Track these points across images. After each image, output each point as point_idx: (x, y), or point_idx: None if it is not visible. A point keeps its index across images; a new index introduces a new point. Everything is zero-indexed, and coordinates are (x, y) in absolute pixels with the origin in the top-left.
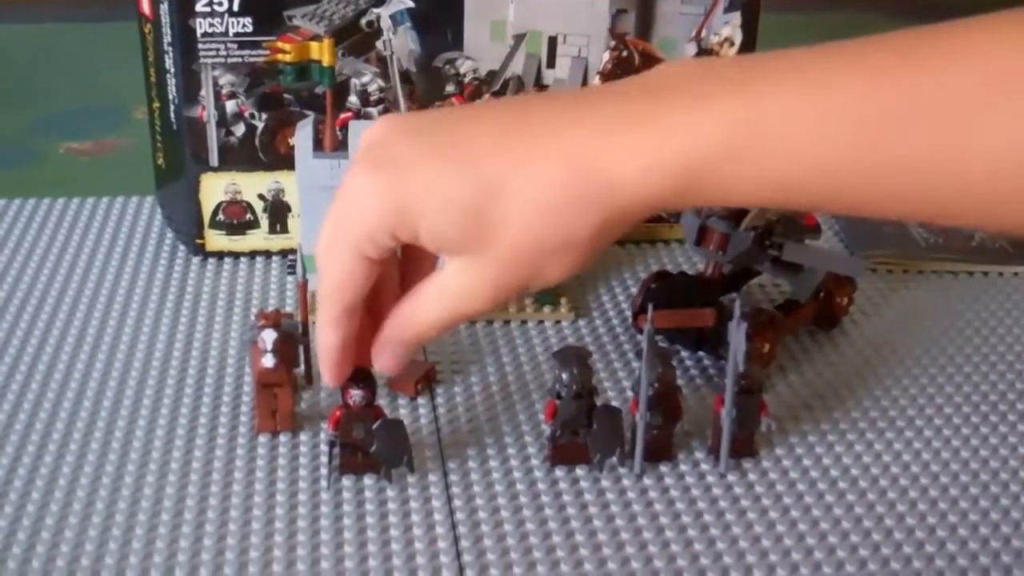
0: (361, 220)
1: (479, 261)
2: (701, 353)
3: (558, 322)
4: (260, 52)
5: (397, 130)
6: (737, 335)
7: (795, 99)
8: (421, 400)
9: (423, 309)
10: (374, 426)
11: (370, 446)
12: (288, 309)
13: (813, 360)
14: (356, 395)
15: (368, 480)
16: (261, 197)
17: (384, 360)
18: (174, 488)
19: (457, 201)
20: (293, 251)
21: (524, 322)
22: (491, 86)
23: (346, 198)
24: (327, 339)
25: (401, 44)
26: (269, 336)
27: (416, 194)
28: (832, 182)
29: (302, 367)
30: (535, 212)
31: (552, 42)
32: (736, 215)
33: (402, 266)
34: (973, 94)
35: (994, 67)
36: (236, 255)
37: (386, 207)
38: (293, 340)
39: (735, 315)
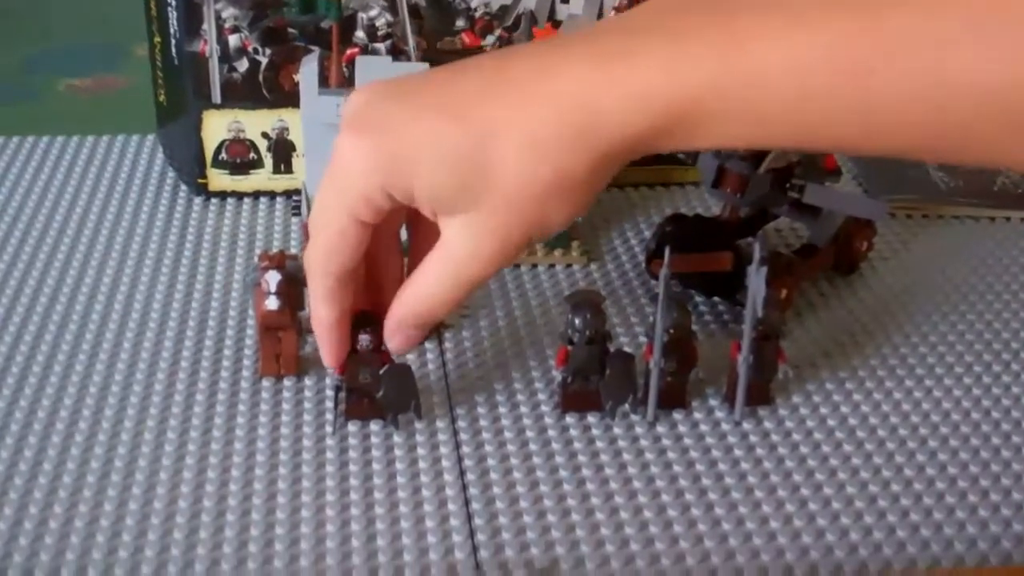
0: (354, 181)
1: (479, 215)
2: (716, 298)
3: (570, 266)
4: None
5: (380, 95)
6: (756, 279)
7: (777, 37)
8: (428, 345)
9: (429, 282)
10: (381, 371)
11: (377, 391)
12: (293, 251)
13: (831, 306)
14: (363, 340)
15: (375, 426)
16: (265, 135)
17: (397, 343)
18: (175, 433)
19: (450, 151)
20: (298, 191)
21: (535, 266)
22: (503, 21)
23: (336, 164)
24: (322, 315)
25: None
26: (273, 278)
27: (408, 150)
28: (816, 118)
29: (307, 310)
30: (529, 151)
31: None
32: (755, 157)
33: (411, 247)
34: (953, 31)
35: (972, 5)
36: (239, 195)
37: (379, 165)
38: (297, 282)
39: (755, 259)
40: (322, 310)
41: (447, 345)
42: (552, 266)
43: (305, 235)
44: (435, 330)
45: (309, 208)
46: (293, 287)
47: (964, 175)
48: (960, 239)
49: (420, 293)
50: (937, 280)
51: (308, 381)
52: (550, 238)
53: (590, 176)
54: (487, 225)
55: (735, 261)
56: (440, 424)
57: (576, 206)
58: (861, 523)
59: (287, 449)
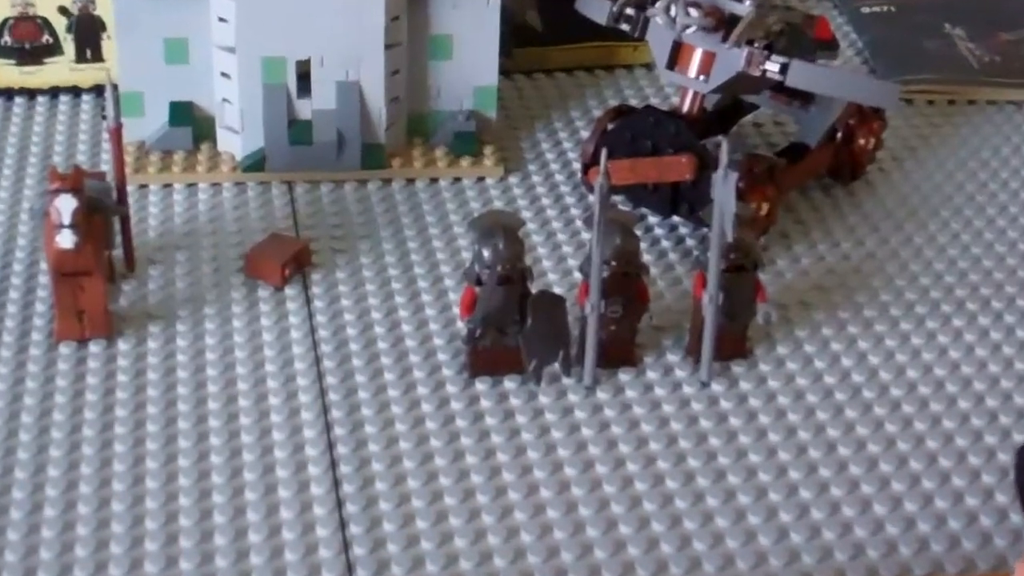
0: None
1: None
2: (676, 218)
3: (481, 179)
4: None
5: None
6: (724, 191)
7: None
8: (290, 291)
9: None
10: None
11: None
12: (104, 168)
13: (828, 225)
14: None
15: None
16: (63, 11)
17: None
18: None
19: None
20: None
21: (435, 180)
22: None
23: None
24: None
25: None
26: (66, 205)
27: None
28: None
29: (120, 248)
30: None
31: None
32: (723, 24)
33: None
34: None
35: None
36: (30, 92)
37: None
38: (103, 210)
39: (721, 163)
40: None
41: (315, 291)
42: (458, 180)
43: (115, 143)
44: (298, 271)
45: (119, 108)
46: (96, 216)
47: (1002, 48)
48: (997, 131)
49: None
50: (968, 187)
51: (123, 345)
52: (457, 134)
53: None
54: None
55: (700, 167)
56: (304, 399)
57: None
58: (870, 515)
59: (93, 440)
